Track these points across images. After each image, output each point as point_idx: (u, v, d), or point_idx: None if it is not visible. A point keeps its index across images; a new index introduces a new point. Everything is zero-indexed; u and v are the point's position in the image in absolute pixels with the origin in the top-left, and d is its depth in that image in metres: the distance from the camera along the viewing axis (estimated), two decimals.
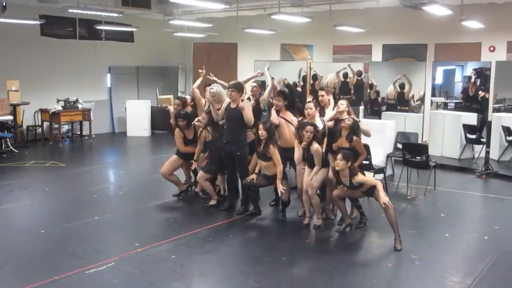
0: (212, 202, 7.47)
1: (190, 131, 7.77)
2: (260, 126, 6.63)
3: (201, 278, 5.22)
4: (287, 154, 6.81)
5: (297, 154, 6.54)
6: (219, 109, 7.17)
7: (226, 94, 7.26)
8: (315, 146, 6.31)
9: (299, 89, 12.72)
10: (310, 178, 6.44)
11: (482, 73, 11.58)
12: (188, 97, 8.55)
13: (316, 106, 6.85)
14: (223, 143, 7.15)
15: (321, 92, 7.35)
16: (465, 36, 12.05)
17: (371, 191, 6.06)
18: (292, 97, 7.57)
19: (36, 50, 13.08)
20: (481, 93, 10.86)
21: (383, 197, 5.88)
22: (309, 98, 8.55)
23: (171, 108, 8.54)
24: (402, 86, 11.46)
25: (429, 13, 9.87)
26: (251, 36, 13.99)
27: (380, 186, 5.99)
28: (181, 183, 8.05)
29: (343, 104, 6.82)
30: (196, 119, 7.72)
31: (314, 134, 6.27)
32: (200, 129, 7.48)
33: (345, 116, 6.73)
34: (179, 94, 16.34)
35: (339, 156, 5.93)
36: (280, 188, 6.59)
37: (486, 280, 5.18)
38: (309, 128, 6.27)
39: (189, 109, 8.22)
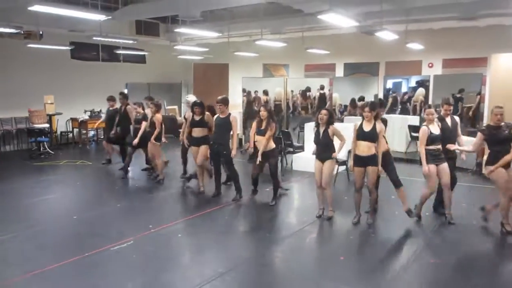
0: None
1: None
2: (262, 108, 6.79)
3: (203, 251, 5.24)
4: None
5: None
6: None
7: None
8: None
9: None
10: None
11: (423, 84, 11.78)
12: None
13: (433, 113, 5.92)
14: (211, 144, 7.23)
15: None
16: (409, 55, 12.22)
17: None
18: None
19: (67, 70, 13.02)
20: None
21: None
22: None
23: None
24: (361, 98, 11.58)
25: (381, 38, 9.98)
26: (239, 58, 14.00)
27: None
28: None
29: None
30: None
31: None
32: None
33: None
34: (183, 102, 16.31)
35: None
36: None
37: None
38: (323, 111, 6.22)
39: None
